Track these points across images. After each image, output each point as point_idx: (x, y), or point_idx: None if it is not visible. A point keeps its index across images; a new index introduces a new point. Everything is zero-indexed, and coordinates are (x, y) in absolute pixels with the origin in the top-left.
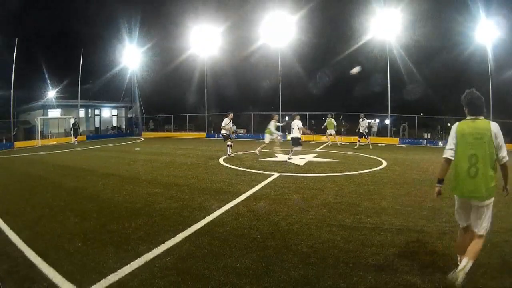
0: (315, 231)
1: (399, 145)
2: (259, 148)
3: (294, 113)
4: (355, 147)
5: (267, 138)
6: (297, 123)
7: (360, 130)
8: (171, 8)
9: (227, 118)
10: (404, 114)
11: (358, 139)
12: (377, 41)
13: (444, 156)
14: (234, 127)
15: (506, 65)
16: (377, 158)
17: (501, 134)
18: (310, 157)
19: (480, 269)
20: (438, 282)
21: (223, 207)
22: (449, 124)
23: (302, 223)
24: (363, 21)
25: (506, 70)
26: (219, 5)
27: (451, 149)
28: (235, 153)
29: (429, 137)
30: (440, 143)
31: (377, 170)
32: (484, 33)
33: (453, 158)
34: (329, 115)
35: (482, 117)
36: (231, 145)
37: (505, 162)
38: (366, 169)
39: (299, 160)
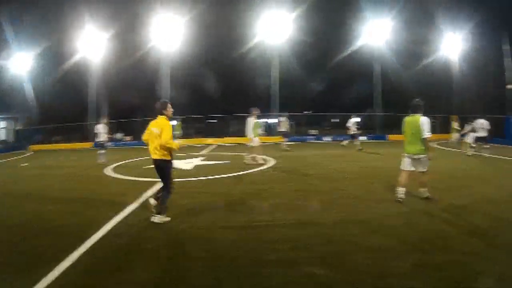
0: (210, 235)
1: (286, 143)
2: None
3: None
4: (285, 149)
5: (255, 141)
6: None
7: (284, 130)
8: (58, 10)
9: (100, 124)
10: (292, 112)
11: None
12: (265, 41)
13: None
14: (120, 134)
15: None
16: (266, 156)
17: (426, 122)
18: (197, 161)
19: (381, 253)
20: (340, 269)
21: (115, 219)
22: (338, 120)
23: (196, 228)
24: (250, 23)
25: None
26: (104, 7)
27: (403, 130)
28: (123, 162)
29: (316, 133)
30: (326, 138)
31: (265, 168)
32: (373, 34)
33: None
34: (176, 120)
35: (418, 114)
36: (102, 153)
37: (426, 137)
38: (255, 168)
39: (186, 164)
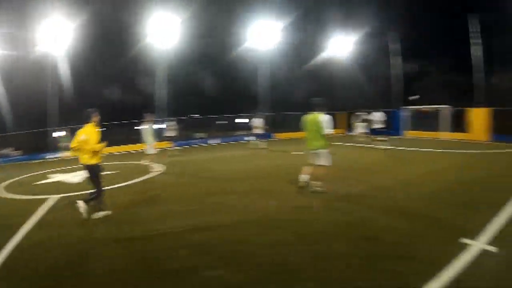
0: (107, 249)
1: (174, 148)
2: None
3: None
4: (174, 154)
5: (150, 148)
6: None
7: (172, 135)
8: None
9: None
10: (179, 116)
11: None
12: (153, 44)
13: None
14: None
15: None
16: (154, 163)
17: (326, 119)
18: (86, 173)
19: (280, 248)
20: (241, 269)
21: (8, 244)
22: (226, 122)
23: (92, 243)
24: (138, 26)
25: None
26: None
27: (304, 127)
28: (14, 179)
29: (203, 136)
30: (214, 141)
31: (155, 175)
32: (262, 35)
33: (305, 132)
34: (65, 131)
35: (318, 112)
36: None
37: (327, 133)
38: (145, 176)
39: (74, 177)
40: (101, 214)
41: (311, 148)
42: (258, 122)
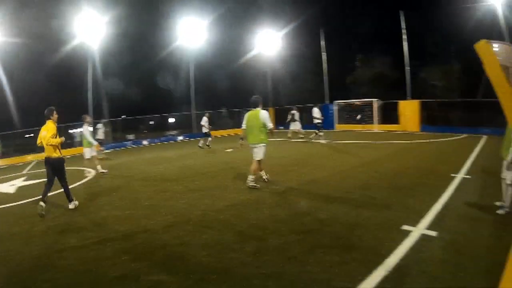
0: (47, 261)
1: (104, 151)
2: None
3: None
4: (101, 157)
5: (88, 152)
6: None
7: (101, 137)
8: None
9: None
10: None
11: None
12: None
13: (242, 127)
14: None
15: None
16: (84, 168)
17: (266, 115)
18: (20, 182)
19: (219, 247)
20: (182, 272)
21: None
22: (153, 122)
23: (32, 257)
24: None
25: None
26: None
27: (244, 123)
28: None
29: (133, 138)
30: (145, 142)
31: (87, 181)
32: (189, 34)
33: (245, 127)
34: None
35: (258, 108)
36: None
37: (270, 129)
38: (77, 182)
39: (9, 187)
40: (72, 205)
41: (251, 143)
42: (204, 121)
